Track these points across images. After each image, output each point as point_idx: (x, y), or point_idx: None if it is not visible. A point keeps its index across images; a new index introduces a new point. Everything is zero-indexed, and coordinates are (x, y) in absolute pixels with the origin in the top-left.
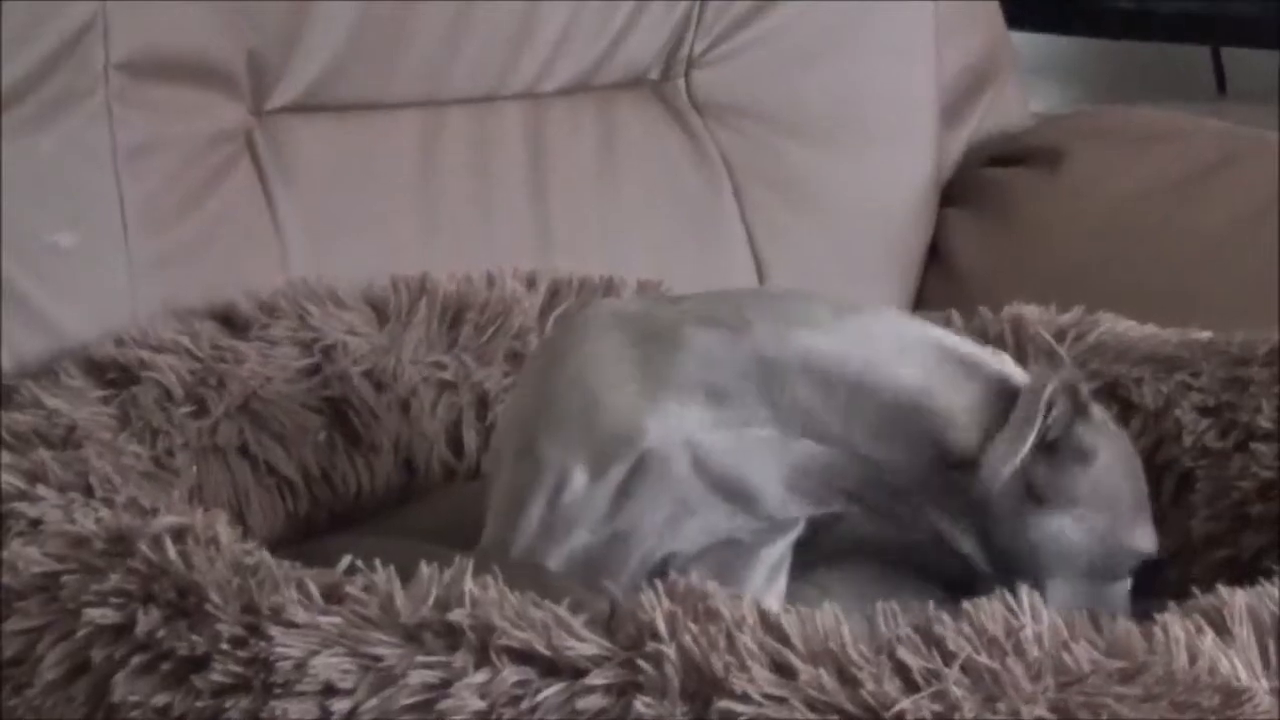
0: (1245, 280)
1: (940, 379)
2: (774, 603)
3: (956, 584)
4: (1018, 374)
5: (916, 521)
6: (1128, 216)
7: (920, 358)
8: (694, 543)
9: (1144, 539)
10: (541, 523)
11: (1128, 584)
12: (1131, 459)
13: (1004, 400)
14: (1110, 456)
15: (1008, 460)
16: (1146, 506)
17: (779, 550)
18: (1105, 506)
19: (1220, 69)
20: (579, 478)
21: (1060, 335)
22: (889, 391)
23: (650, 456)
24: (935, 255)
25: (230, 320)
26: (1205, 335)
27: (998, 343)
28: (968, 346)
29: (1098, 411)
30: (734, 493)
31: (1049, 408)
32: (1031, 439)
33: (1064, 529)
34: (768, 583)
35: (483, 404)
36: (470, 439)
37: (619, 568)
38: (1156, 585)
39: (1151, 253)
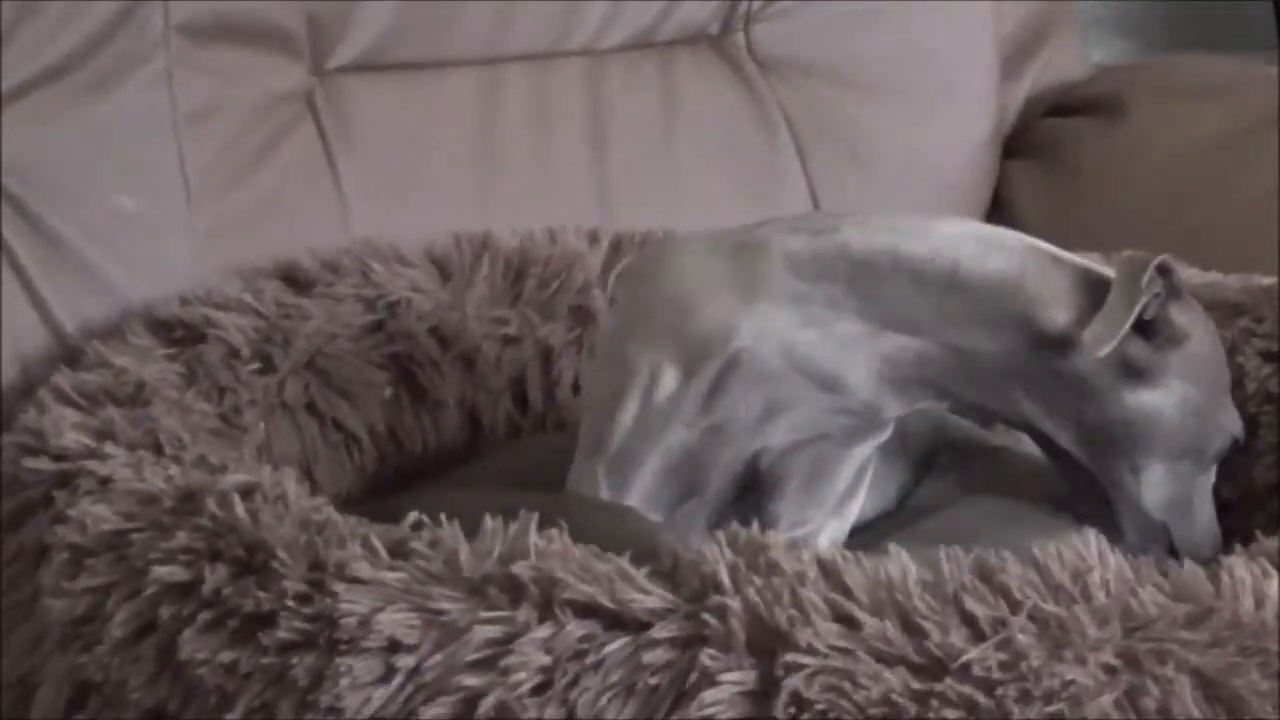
0: None
1: (1030, 267)
2: (858, 504)
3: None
4: (1101, 268)
5: (1007, 412)
6: (1189, 167)
7: (1004, 251)
8: (785, 438)
9: (1232, 419)
10: (637, 422)
11: (1213, 476)
12: (1219, 342)
13: (1093, 286)
14: (1202, 336)
15: (1111, 333)
16: (1229, 390)
17: (868, 449)
18: (1198, 384)
19: None
20: (670, 376)
21: None
22: (980, 280)
23: (743, 354)
24: (997, 206)
25: (294, 278)
26: (1268, 281)
27: None
28: (1050, 244)
29: (1189, 295)
30: (826, 385)
31: (1148, 284)
32: (1134, 314)
33: (1161, 404)
34: (856, 480)
35: (546, 359)
36: (534, 394)
37: (713, 463)
38: (1224, 532)
39: (1213, 203)
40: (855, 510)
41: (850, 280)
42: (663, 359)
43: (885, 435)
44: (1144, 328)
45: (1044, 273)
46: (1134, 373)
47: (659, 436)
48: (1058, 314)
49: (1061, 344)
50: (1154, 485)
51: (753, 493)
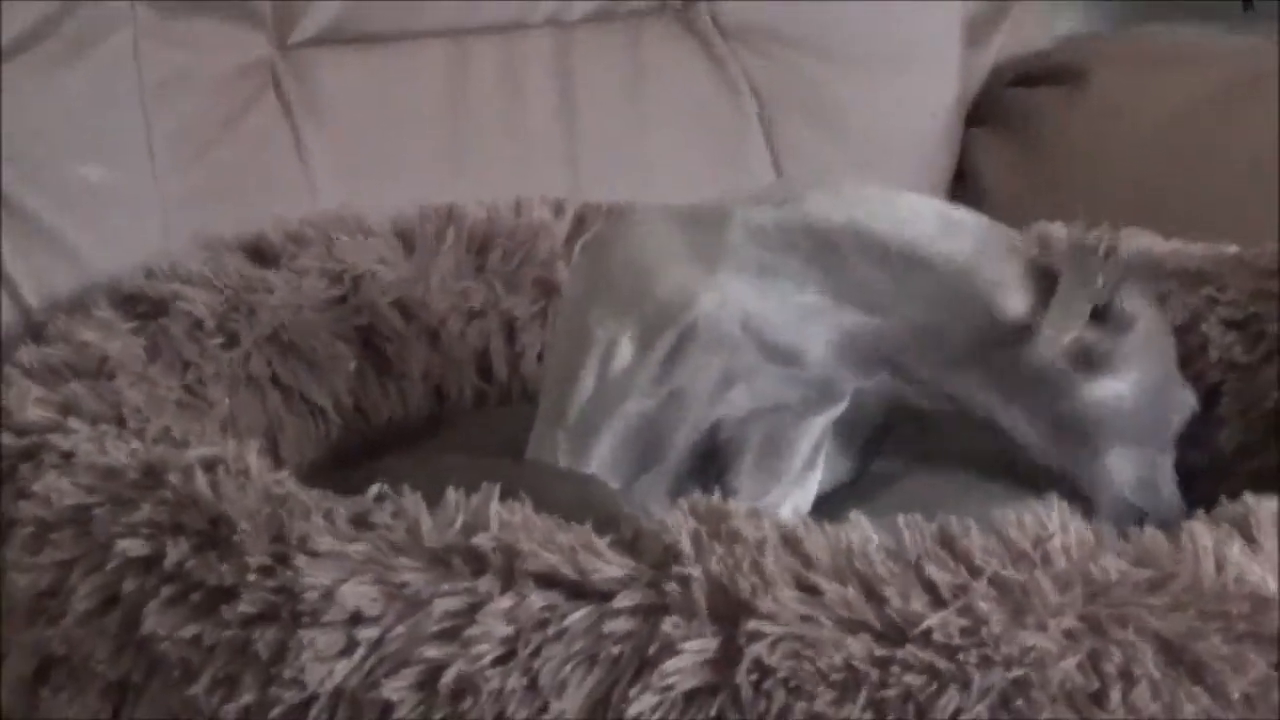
0: (1271, 196)
1: (987, 251)
2: (816, 475)
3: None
4: (1050, 260)
5: (967, 399)
6: (1153, 136)
7: (965, 233)
8: (743, 409)
9: (1188, 395)
10: (595, 391)
11: (1173, 452)
12: (1165, 320)
13: (1044, 275)
14: (1149, 317)
15: (1067, 326)
16: (1176, 365)
17: (825, 420)
18: (1152, 365)
19: None
20: (627, 345)
21: None
22: (939, 261)
23: (701, 322)
24: (961, 176)
25: (259, 251)
26: (1231, 249)
27: None
28: (1005, 228)
29: (1131, 276)
30: (783, 356)
31: (1099, 273)
32: (1088, 301)
33: (1120, 390)
34: (814, 451)
35: (511, 331)
36: (499, 365)
37: (671, 432)
38: (1188, 498)
39: (1177, 172)
40: (815, 481)
41: (811, 253)
42: (621, 328)
43: (843, 406)
44: (1096, 316)
45: (1000, 259)
46: (1091, 361)
47: (617, 406)
48: (1014, 301)
49: (1019, 333)
50: (1123, 470)
51: (712, 465)
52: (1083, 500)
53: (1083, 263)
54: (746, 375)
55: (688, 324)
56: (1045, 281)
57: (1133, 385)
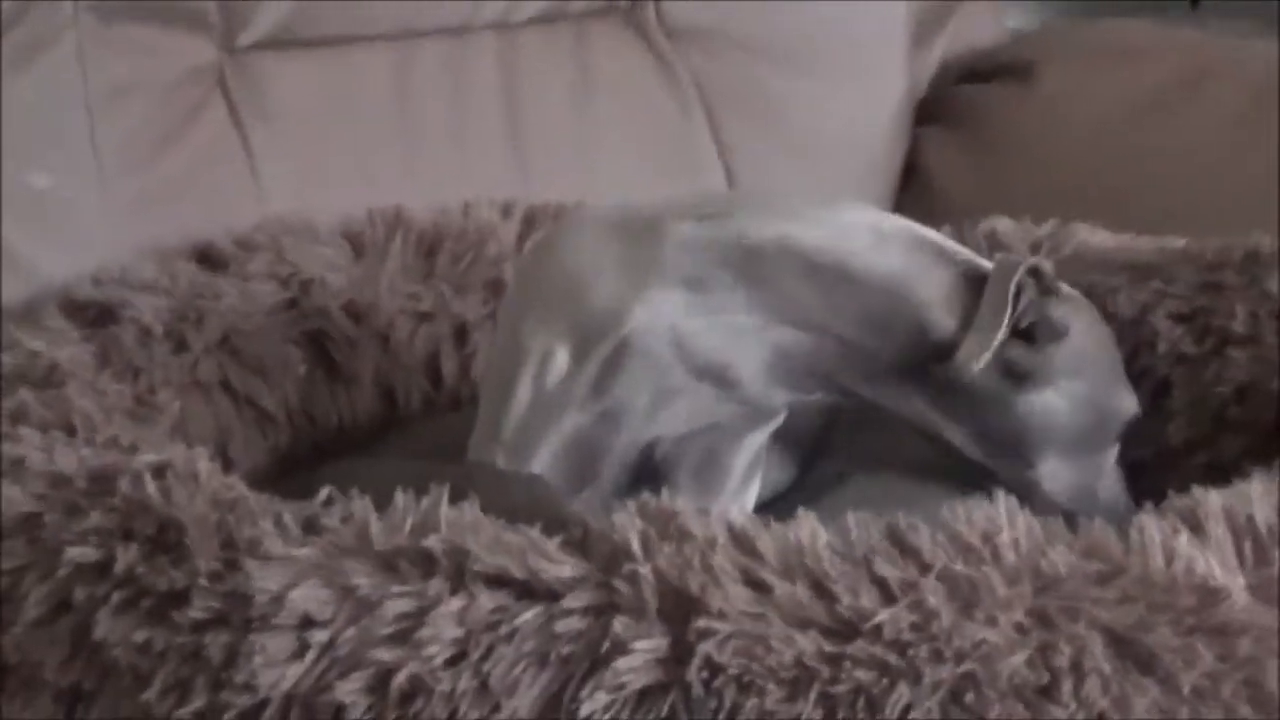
0: (1219, 191)
1: (916, 266)
2: (752, 493)
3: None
4: (986, 264)
5: (905, 412)
6: (1101, 130)
7: (896, 247)
8: (677, 427)
9: (1126, 400)
10: (531, 405)
11: (1115, 450)
12: (1102, 326)
13: (976, 287)
14: (1083, 327)
15: (981, 350)
16: (1122, 371)
17: (761, 437)
18: (1085, 375)
19: None
20: (561, 358)
21: (1036, 247)
22: (869, 278)
23: (633, 339)
24: (911, 173)
25: (208, 257)
26: (1179, 243)
27: None
28: (938, 236)
29: (1065, 287)
30: (715, 376)
31: (1017, 294)
32: (1004, 328)
33: (1049, 404)
34: (750, 469)
35: (461, 333)
36: (449, 368)
37: (606, 449)
38: (1137, 491)
39: (1125, 165)
40: (752, 498)
41: (743, 269)
42: (554, 340)
43: (777, 423)
44: (1024, 332)
45: (930, 272)
46: (1020, 377)
47: (553, 421)
48: (944, 319)
49: (947, 351)
50: (1055, 478)
51: (648, 483)
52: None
53: (1002, 284)
54: (679, 395)
55: (621, 339)
56: (975, 293)
57: (1066, 396)
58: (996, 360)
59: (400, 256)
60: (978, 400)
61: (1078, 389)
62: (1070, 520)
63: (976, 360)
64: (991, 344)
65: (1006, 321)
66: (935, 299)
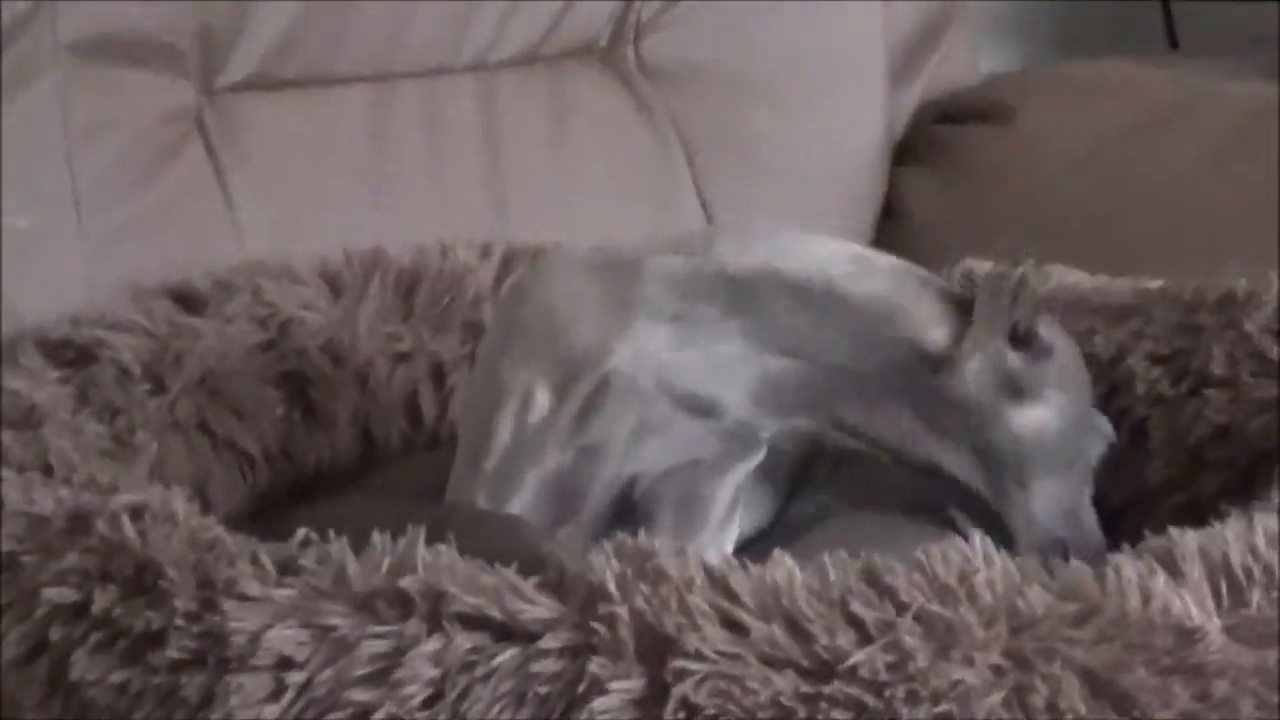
0: (1197, 229)
1: (902, 288)
2: (734, 530)
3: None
4: (963, 292)
5: (895, 438)
6: (1081, 170)
7: (880, 274)
8: (658, 463)
9: (1104, 424)
10: (512, 443)
11: (1091, 489)
12: (1076, 348)
13: (962, 307)
14: (1065, 346)
15: (986, 348)
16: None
17: (742, 473)
18: (1072, 392)
19: (1171, 23)
20: (543, 396)
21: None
22: (858, 301)
23: (615, 375)
24: (889, 213)
25: (186, 298)
26: (1157, 284)
27: None
28: (915, 266)
29: (1044, 307)
30: (700, 408)
31: (1014, 296)
32: (1005, 327)
33: (1044, 418)
34: (731, 506)
35: (439, 374)
36: (428, 408)
37: (587, 486)
38: (1115, 532)
39: (1103, 205)
40: (733, 535)
41: (729, 300)
42: (535, 378)
43: (760, 457)
44: (1020, 341)
45: (915, 295)
46: (1014, 389)
47: (534, 459)
48: (935, 334)
49: (941, 364)
50: (1048, 500)
51: (629, 520)
52: (1006, 538)
53: (996, 289)
54: (661, 429)
55: (602, 377)
56: (963, 312)
57: (1056, 413)
58: (992, 372)
59: (379, 297)
60: (969, 414)
61: (1066, 404)
62: (1047, 560)
63: (974, 362)
64: (997, 348)
65: (1006, 323)
66: (924, 316)
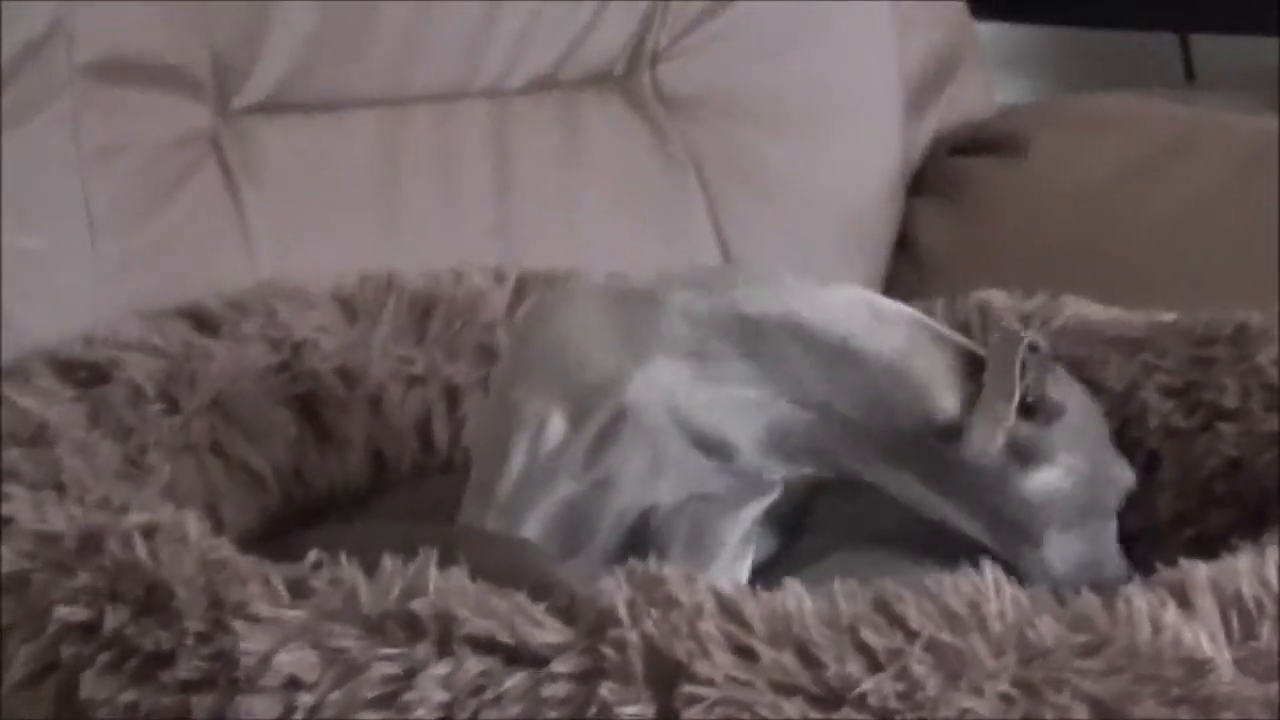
0: (1210, 261)
1: (916, 347)
2: (746, 566)
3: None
4: (977, 347)
5: (903, 496)
6: (1093, 202)
7: (895, 328)
8: (672, 496)
9: (1123, 471)
10: (524, 472)
11: (1114, 522)
12: (1091, 400)
13: (973, 367)
14: (1077, 404)
15: (996, 429)
16: (1111, 442)
17: (755, 511)
18: (1084, 451)
19: (1188, 56)
20: (557, 425)
21: (1026, 320)
22: (872, 357)
23: (631, 407)
24: (903, 244)
25: (199, 319)
26: (1170, 316)
27: (965, 329)
28: (933, 321)
29: (1057, 366)
30: (712, 448)
31: (1023, 369)
32: (1015, 402)
33: (1054, 481)
34: (743, 543)
35: (452, 398)
36: (440, 432)
37: (600, 518)
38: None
39: (1117, 237)
40: (745, 572)
41: (745, 344)
42: (550, 408)
43: (773, 498)
44: (1026, 409)
45: (929, 354)
46: (1023, 455)
47: (547, 488)
48: (945, 400)
49: (950, 432)
50: (1061, 554)
51: (639, 557)
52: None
53: (1006, 361)
54: (675, 465)
55: (617, 409)
56: (975, 371)
57: (1066, 472)
58: (998, 442)
59: (393, 321)
60: (981, 481)
61: (1078, 464)
62: (1058, 592)
63: (992, 440)
64: (1006, 420)
65: (1015, 399)
66: (937, 379)
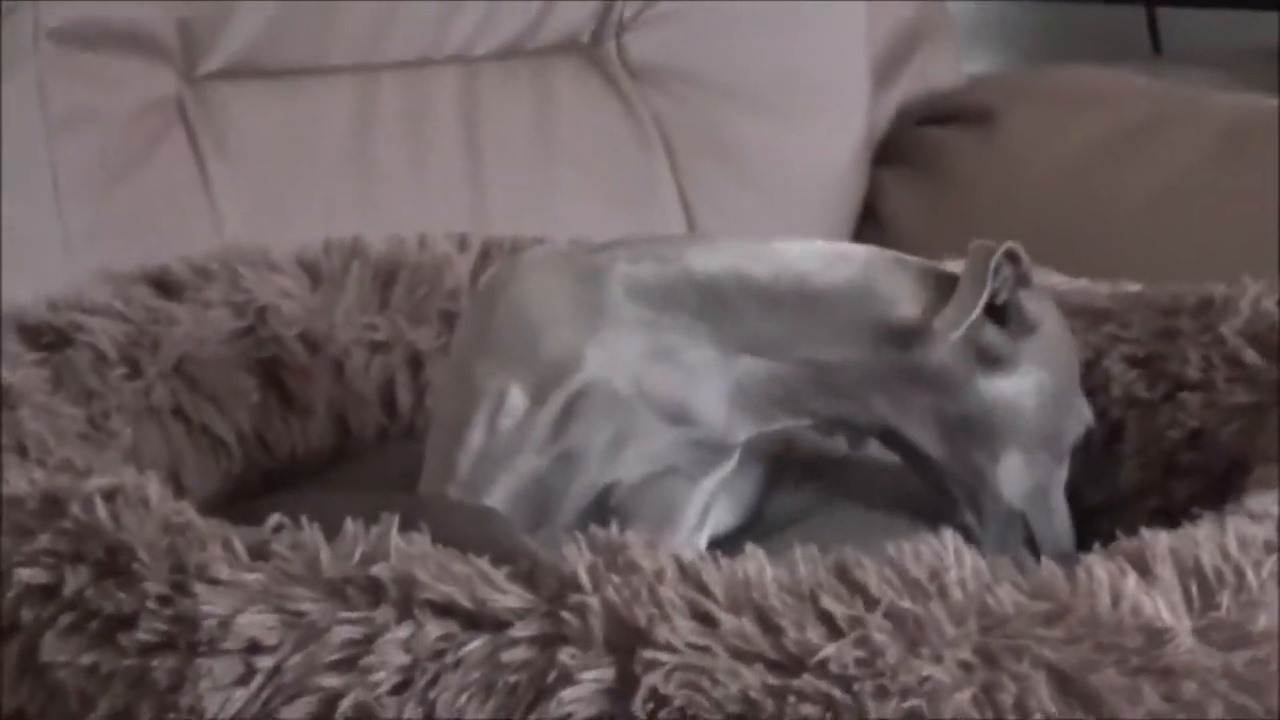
0: (1178, 237)
1: (876, 271)
2: (705, 536)
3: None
4: (946, 267)
5: (864, 419)
6: (1060, 176)
7: (852, 263)
8: (634, 471)
9: (1085, 408)
10: (485, 446)
11: (1066, 472)
12: (1068, 330)
13: (940, 282)
14: (1053, 324)
15: (962, 317)
16: (1079, 381)
17: (715, 481)
18: (1053, 370)
19: (1155, 29)
20: (517, 400)
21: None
22: (829, 291)
23: (593, 383)
24: (869, 215)
25: (163, 283)
26: (1135, 288)
27: None
28: (899, 254)
29: (1037, 284)
30: (676, 416)
31: (996, 270)
32: (984, 298)
33: (1018, 391)
34: (703, 513)
35: (416, 364)
36: (404, 399)
37: (563, 492)
38: (1088, 535)
39: (1084, 211)
40: (703, 543)
41: (698, 306)
42: (509, 382)
43: (732, 464)
44: (997, 315)
45: (890, 274)
46: (990, 361)
47: (508, 462)
48: (909, 310)
49: (915, 338)
50: (1013, 474)
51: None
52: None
53: (981, 261)
54: (638, 437)
55: (580, 384)
56: (945, 286)
57: (1032, 386)
58: (968, 342)
59: (357, 286)
60: (945, 384)
61: (1044, 381)
62: (1012, 532)
63: (957, 326)
64: (971, 312)
65: (984, 296)
66: (898, 294)
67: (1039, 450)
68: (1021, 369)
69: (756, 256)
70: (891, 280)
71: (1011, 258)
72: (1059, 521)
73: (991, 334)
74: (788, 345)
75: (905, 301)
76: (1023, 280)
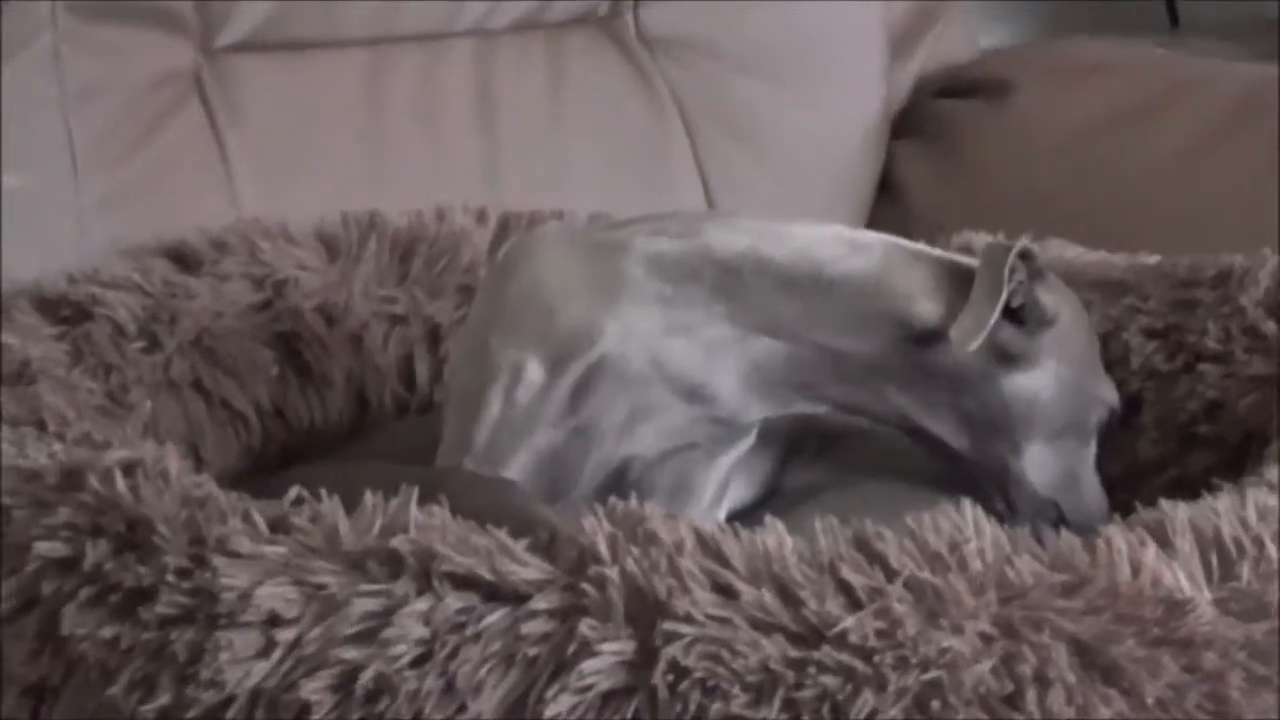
0: (1192, 208)
1: (893, 264)
2: (722, 513)
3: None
4: (963, 259)
5: (881, 410)
6: (1075, 147)
7: (869, 250)
8: (652, 446)
9: (1108, 389)
10: (501, 419)
11: (1094, 448)
12: (1086, 317)
13: (957, 278)
14: (1070, 315)
15: (978, 327)
16: (1100, 362)
17: (733, 457)
18: (1071, 361)
19: (1173, 3)
20: (534, 373)
21: None
22: (845, 279)
23: (609, 356)
24: (885, 186)
25: (182, 257)
26: (1153, 259)
27: None
28: (910, 241)
29: (1051, 275)
30: (692, 393)
31: (1011, 273)
32: (1000, 304)
33: (1038, 385)
34: (720, 488)
35: (434, 337)
36: (422, 372)
37: (579, 465)
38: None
39: (1099, 183)
40: (721, 519)
41: (715, 284)
42: (526, 355)
43: (750, 442)
44: (1013, 314)
45: (908, 268)
46: (1008, 359)
47: (525, 435)
48: (926, 308)
49: (932, 337)
50: (1039, 464)
51: None
52: (998, 510)
53: (995, 265)
54: (654, 412)
55: (597, 357)
56: (962, 283)
57: (1052, 380)
58: (986, 341)
59: (375, 260)
60: (963, 383)
61: (1063, 373)
62: (1045, 519)
63: (973, 338)
64: (988, 321)
65: (1000, 303)
66: (914, 290)
67: (1063, 438)
68: (1040, 363)
69: (776, 237)
70: (908, 274)
71: (1025, 256)
72: (1092, 500)
73: (1009, 333)
74: (801, 328)
75: (922, 298)
76: (1037, 276)
